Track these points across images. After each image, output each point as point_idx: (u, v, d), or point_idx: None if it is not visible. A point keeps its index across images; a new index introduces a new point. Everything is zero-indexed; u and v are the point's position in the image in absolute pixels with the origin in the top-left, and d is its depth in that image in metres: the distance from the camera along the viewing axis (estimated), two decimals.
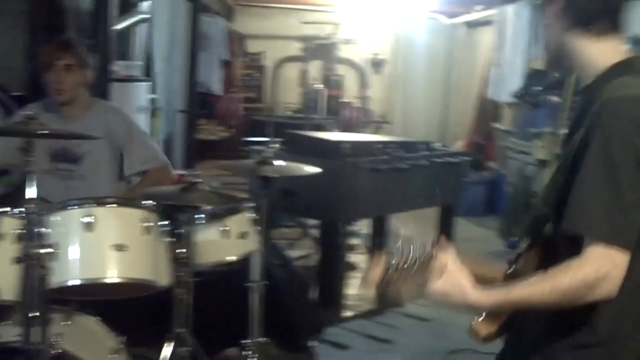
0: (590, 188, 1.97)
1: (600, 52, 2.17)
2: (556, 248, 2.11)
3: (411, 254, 2.14)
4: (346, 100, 14.37)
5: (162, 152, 4.77)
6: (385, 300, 2.09)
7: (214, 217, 3.63)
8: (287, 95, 15.11)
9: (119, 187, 4.43)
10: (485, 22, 12.79)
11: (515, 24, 10.31)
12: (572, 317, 2.07)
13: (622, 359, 2.10)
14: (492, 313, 2.22)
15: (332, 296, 6.21)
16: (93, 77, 4.44)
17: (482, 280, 2.14)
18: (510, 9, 10.51)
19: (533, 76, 9.42)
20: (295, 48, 15.20)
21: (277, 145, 6.12)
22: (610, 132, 1.96)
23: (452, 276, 2.11)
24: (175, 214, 3.50)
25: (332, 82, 14.69)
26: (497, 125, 11.18)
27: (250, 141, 7.42)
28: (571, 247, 2.01)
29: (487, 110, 11.97)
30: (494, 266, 2.26)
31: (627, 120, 1.98)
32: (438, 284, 2.10)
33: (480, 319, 2.23)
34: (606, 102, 2.02)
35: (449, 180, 7.12)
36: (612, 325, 2.07)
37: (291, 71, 15.24)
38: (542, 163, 8.26)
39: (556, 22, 2.21)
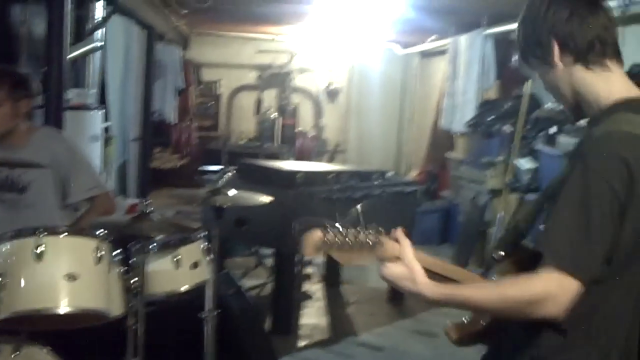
0: (562, 214, 2.02)
1: (602, 86, 2.21)
2: (532, 262, 2.13)
3: (355, 233, 2.14)
4: (301, 130, 14.42)
5: (103, 181, 4.73)
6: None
7: (166, 246, 3.62)
8: (242, 124, 15.12)
9: (65, 215, 4.38)
10: (439, 52, 12.90)
11: (468, 54, 10.39)
12: (545, 335, 2.12)
13: None
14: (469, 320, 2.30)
15: (286, 325, 6.21)
16: (31, 105, 4.36)
17: (442, 280, 2.18)
18: (463, 39, 10.61)
19: (486, 106, 9.51)
20: (250, 77, 15.23)
21: (229, 175, 6.14)
22: (591, 165, 2.01)
23: (406, 263, 2.13)
24: (128, 244, 3.49)
25: (287, 111, 14.73)
26: (450, 154, 11.26)
27: (205, 170, 7.40)
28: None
29: (441, 139, 12.05)
30: (454, 267, 2.28)
31: (610, 156, 2.01)
32: (391, 267, 2.13)
33: (454, 323, 2.33)
34: (597, 136, 2.07)
35: (402, 209, 7.16)
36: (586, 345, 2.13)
37: (246, 100, 15.26)
38: (494, 192, 8.33)
39: (562, 67, 2.23)
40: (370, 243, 2.11)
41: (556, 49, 2.20)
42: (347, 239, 2.10)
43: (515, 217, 2.35)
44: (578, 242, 1.99)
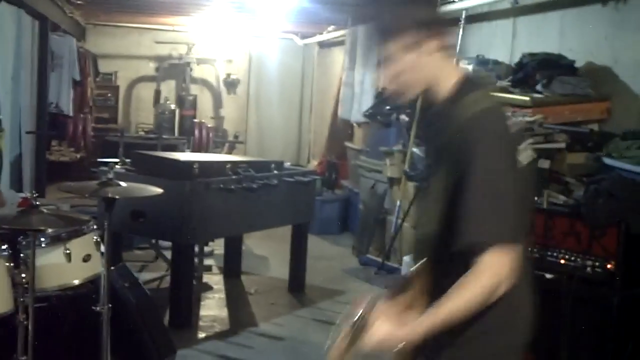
0: (475, 201, 2.10)
1: (448, 73, 2.31)
2: (449, 264, 2.22)
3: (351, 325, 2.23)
4: (199, 121, 14.31)
5: None
6: None
7: (56, 240, 3.56)
8: (141, 116, 14.96)
9: None
10: (337, 43, 12.97)
11: (364, 44, 10.45)
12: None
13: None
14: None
15: (185, 318, 6.16)
16: None
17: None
18: (360, 29, 10.66)
19: (382, 96, 9.58)
20: (148, 68, 15.07)
21: (122, 167, 6.05)
22: (482, 146, 2.11)
23: (380, 325, 2.19)
24: (15, 238, 3.41)
25: (185, 102, 14.60)
26: (349, 144, 11.32)
27: (101, 162, 7.28)
28: (466, 261, 2.12)
29: (340, 129, 12.11)
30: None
31: (491, 131, 2.14)
32: (373, 334, 2.18)
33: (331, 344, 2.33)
34: (469, 118, 2.15)
35: (300, 199, 7.18)
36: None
37: (145, 91, 15.09)
38: (393, 181, 8.41)
39: (420, 47, 2.27)
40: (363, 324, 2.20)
41: (434, 35, 2.27)
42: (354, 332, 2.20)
43: (419, 219, 2.39)
44: (502, 213, 2.10)
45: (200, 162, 6.16)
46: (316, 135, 14.42)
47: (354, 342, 2.21)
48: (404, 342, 2.16)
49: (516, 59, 6.72)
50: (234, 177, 6.28)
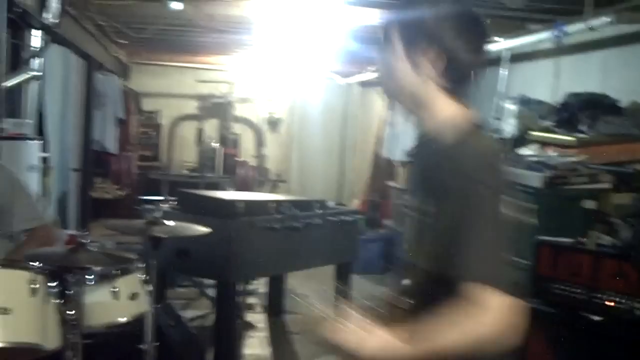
0: (480, 242, 1.99)
1: (453, 111, 2.20)
2: (426, 294, 2.14)
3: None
4: (242, 159, 14.38)
5: (42, 212, 4.67)
6: None
7: (104, 278, 3.56)
8: (184, 154, 15.05)
9: (3, 246, 4.29)
10: (378, 82, 12.97)
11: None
12: None
13: None
14: None
15: (229, 357, 6.13)
16: None
17: None
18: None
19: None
20: (191, 106, 15.18)
21: (167, 205, 6.08)
22: (477, 181, 2.01)
23: (381, 335, 2.09)
24: (64, 275, 3.42)
25: (228, 141, 14.69)
26: (392, 183, 11.30)
27: (145, 200, 7.33)
28: (447, 293, 2.01)
29: (382, 168, 12.10)
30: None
31: (487, 168, 2.05)
32: (371, 343, 2.08)
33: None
34: (451, 149, 2.09)
35: (344, 239, 7.15)
36: None
37: (187, 129, 15.20)
38: None
39: (422, 70, 2.19)
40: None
41: (436, 61, 2.16)
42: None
43: (410, 256, 2.31)
44: (495, 256, 1.99)
45: (244, 201, 6.16)
46: (358, 174, 14.41)
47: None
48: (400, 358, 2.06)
49: (559, 99, 6.69)
50: (278, 216, 6.27)
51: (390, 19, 2.29)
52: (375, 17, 8.12)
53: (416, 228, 2.23)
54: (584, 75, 6.98)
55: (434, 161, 2.16)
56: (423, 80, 2.19)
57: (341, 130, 15.43)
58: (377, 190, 12.32)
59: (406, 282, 2.31)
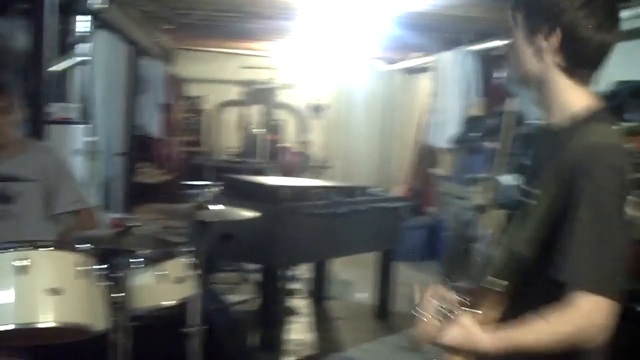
0: (582, 239, 1.99)
1: (577, 97, 2.17)
2: (527, 292, 2.13)
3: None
4: (286, 145, 14.39)
5: (87, 196, 4.73)
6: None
7: (151, 261, 3.59)
8: (227, 139, 15.07)
9: (49, 227, 4.34)
10: (423, 69, 12.93)
11: (452, 71, 10.42)
12: None
13: None
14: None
15: (272, 341, 6.16)
16: (22, 117, 4.36)
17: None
18: (447, 55, 10.63)
19: (470, 122, 9.51)
20: (235, 92, 15.19)
21: (214, 190, 6.10)
22: (601, 182, 1.98)
23: (465, 324, 2.12)
24: (112, 258, 3.45)
25: (272, 127, 14.69)
26: (435, 170, 11.25)
27: (189, 185, 7.35)
28: (550, 293, 2.02)
29: (426, 155, 12.06)
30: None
31: (612, 168, 2.00)
32: (453, 332, 2.12)
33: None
34: (592, 147, 2.03)
35: (387, 225, 7.14)
36: None
37: (231, 115, 15.22)
38: (480, 208, 8.31)
39: (545, 54, 2.16)
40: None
41: (554, 40, 2.13)
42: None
43: (508, 240, 2.26)
44: (606, 263, 1.97)
45: (289, 187, 6.18)
46: (400, 161, 14.37)
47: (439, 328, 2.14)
48: (484, 348, 2.08)
49: (607, 87, 6.61)
50: (322, 202, 6.28)
51: (516, 2, 2.25)
52: (420, 3, 8.08)
53: (522, 213, 2.20)
54: (633, 64, 6.88)
55: (558, 151, 2.12)
56: (546, 66, 2.17)
57: (384, 116, 15.37)
58: (420, 178, 12.28)
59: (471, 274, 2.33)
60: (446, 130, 10.32)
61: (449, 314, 2.14)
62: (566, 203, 2.03)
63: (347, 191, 6.78)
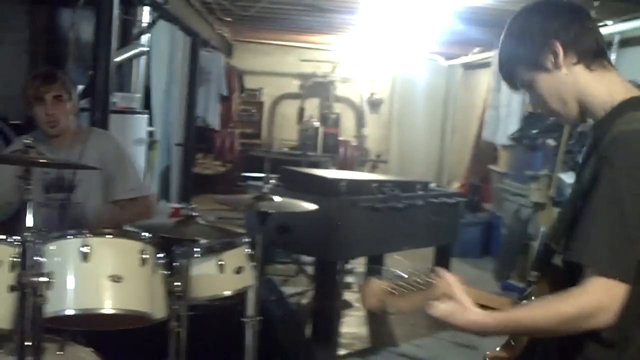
0: (595, 220, 2.00)
1: (606, 87, 2.19)
2: (566, 279, 2.11)
3: (409, 277, 2.15)
4: (344, 139, 14.40)
5: (146, 184, 4.76)
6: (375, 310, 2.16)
7: (211, 251, 3.60)
8: (284, 132, 15.13)
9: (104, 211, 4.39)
10: (482, 65, 12.85)
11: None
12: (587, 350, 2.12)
13: None
14: (508, 345, 2.27)
15: (326, 334, 6.17)
16: (78, 106, 4.40)
17: (485, 309, 2.17)
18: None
19: (529, 119, 9.42)
20: (293, 85, 15.25)
21: (274, 181, 6.13)
22: (619, 165, 1.99)
23: (458, 298, 2.13)
24: (172, 247, 3.48)
25: (329, 120, 14.72)
26: (493, 167, 11.17)
27: (247, 176, 7.40)
28: (579, 277, 2.03)
29: (484, 152, 11.97)
30: (499, 297, 2.28)
31: (636, 155, 2.00)
32: (441, 305, 2.11)
33: (496, 349, 2.28)
34: (617, 135, 2.03)
35: (445, 221, 7.11)
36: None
37: (289, 108, 15.28)
38: (538, 206, 8.25)
39: (565, 71, 2.19)
40: (424, 285, 2.13)
41: (561, 52, 2.17)
42: (403, 285, 2.13)
43: (546, 235, 2.30)
44: (618, 246, 1.97)
45: (347, 180, 6.17)
46: (458, 156, 14.30)
47: (403, 293, 2.13)
48: (473, 322, 2.09)
49: None
50: (380, 196, 6.27)
51: (507, 63, 2.31)
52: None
53: (563, 209, 2.25)
54: None
55: (594, 147, 2.15)
56: (569, 73, 2.20)
57: (442, 112, 15.32)
58: (477, 174, 12.21)
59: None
60: (505, 126, 10.24)
61: (416, 284, 2.14)
62: (589, 192, 2.04)
63: (406, 186, 6.76)
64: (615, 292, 1.97)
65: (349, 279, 8.10)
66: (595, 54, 2.20)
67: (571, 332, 2.02)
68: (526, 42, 2.22)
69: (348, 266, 8.16)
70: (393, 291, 2.13)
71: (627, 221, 1.97)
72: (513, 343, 2.29)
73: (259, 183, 4.27)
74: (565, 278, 2.11)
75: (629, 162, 1.99)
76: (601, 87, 2.19)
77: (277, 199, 4.02)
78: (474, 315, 2.10)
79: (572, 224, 2.09)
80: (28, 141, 2.92)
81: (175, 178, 10.20)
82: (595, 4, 6.92)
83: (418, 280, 2.14)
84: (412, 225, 6.60)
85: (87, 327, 3.26)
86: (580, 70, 2.19)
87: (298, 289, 7.43)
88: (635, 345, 2.10)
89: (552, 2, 2.27)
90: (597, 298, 1.97)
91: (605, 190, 1.99)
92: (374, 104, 15.34)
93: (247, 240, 3.81)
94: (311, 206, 4.22)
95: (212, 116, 12.54)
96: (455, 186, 12.56)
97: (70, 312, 2.91)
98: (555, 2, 2.27)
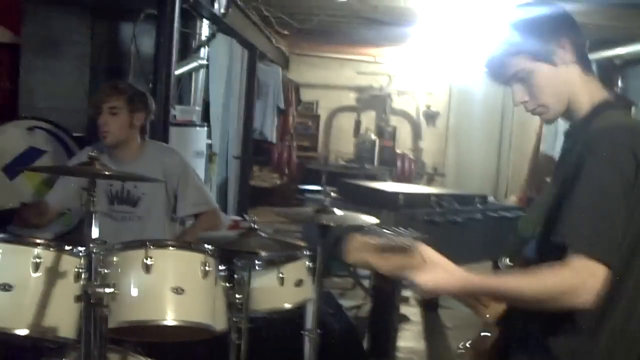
0: (579, 204, 2.09)
1: (589, 90, 2.30)
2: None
3: (393, 238, 2.24)
4: (402, 152, 14.38)
5: (212, 197, 4.79)
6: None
7: (271, 263, 3.61)
8: (341, 145, 15.15)
9: (172, 229, 4.43)
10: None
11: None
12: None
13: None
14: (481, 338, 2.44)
15: (384, 348, 6.14)
16: (146, 120, 4.44)
17: None
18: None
19: None
20: (349, 98, 15.26)
21: (330, 194, 6.13)
22: (600, 153, 2.09)
23: (436, 262, 2.24)
24: (233, 259, 3.49)
25: (385, 133, 14.70)
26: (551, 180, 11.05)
27: (305, 189, 7.41)
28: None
29: (542, 165, 11.85)
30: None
31: (619, 146, 2.09)
32: (426, 272, 2.20)
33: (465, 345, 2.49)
34: (597, 130, 2.16)
35: (503, 235, 7.04)
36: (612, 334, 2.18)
37: (345, 121, 15.29)
38: None
39: (566, 61, 2.29)
40: (405, 250, 2.20)
41: (569, 49, 2.26)
42: (386, 245, 2.22)
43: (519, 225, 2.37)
44: (602, 229, 2.05)
45: (405, 193, 6.16)
46: (515, 170, 14.19)
47: (384, 252, 2.21)
48: (458, 281, 2.18)
49: None
50: (438, 209, 6.24)
51: (505, 52, 2.40)
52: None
53: (539, 201, 2.42)
54: None
55: (573, 143, 2.28)
56: (566, 68, 2.29)
57: (500, 124, 15.20)
58: (536, 187, 12.08)
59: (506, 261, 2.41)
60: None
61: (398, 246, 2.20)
62: (570, 180, 2.12)
63: (465, 199, 6.72)
64: (597, 272, 2.02)
65: (406, 292, 8.06)
66: (587, 59, 2.32)
67: (550, 307, 2.08)
68: (536, 33, 2.29)
69: (405, 282, 8.11)
70: (376, 249, 2.21)
71: (609, 204, 2.07)
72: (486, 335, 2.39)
73: (318, 196, 4.26)
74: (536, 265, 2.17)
75: (610, 151, 2.09)
76: (586, 90, 2.30)
77: (337, 212, 4.02)
78: (458, 272, 2.20)
79: (550, 211, 2.17)
80: (93, 153, 2.95)
81: (233, 190, 10.25)
82: None
83: (402, 242, 2.20)
84: (470, 239, 6.55)
85: (148, 338, 3.28)
86: (576, 70, 2.29)
87: (355, 302, 7.41)
88: (609, 329, 2.17)
89: (559, 5, 2.37)
90: (579, 276, 2.02)
91: (588, 176, 2.08)
92: (431, 117, 15.29)
93: (307, 253, 3.82)
94: (372, 220, 4.21)
95: (269, 129, 12.61)
96: (512, 200, 12.44)
97: (132, 323, 2.94)
98: (562, 6, 2.36)
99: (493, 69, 2.47)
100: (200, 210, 4.46)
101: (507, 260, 2.37)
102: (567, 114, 2.34)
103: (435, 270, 2.21)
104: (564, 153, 2.38)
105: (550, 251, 2.11)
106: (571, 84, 2.28)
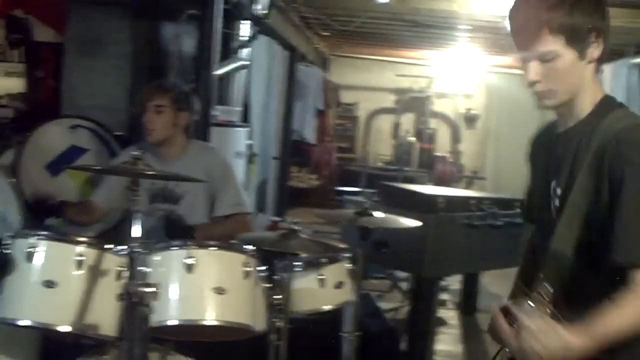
0: (631, 219, 2.03)
1: (595, 88, 2.27)
2: (577, 286, 2.15)
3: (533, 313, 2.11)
4: (440, 154, 14.32)
5: (247, 201, 4.79)
6: None
7: (312, 265, 3.60)
8: (379, 147, 15.13)
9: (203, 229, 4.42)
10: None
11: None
12: None
13: None
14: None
15: (422, 350, 6.12)
16: (190, 119, 4.46)
17: None
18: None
19: None
20: (388, 100, 15.24)
21: (370, 196, 6.12)
22: (636, 161, 2.04)
23: (547, 329, 2.05)
24: (273, 260, 3.49)
25: (424, 135, 14.66)
26: None
27: (343, 191, 7.41)
28: (602, 282, 2.08)
29: None
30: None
31: None
32: (540, 341, 2.03)
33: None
34: (618, 134, 2.09)
35: None
36: None
37: (384, 123, 15.27)
38: None
39: (590, 51, 2.22)
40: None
41: (598, 47, 2.20)
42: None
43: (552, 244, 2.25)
44: None
45: (445, 197, 6.12)
46: None
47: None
48: (576, 349, 2.01)
49: None
50: (478, 213, 6.20)
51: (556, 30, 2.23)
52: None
53: (565, 214, 2.20)
54: None
55: (584, 145, 2.20)
56: (587, 64, 2.23)
57: (539, 128, 15.12)
58: None
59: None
60: None
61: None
62: (602, 193, 2.08)
63: (505, 203, 6.66)
64: None
65: (444, 296, 8.04)
66: (603, 61, 2.26)
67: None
68: (581, 21, 2.19)
69: (443, 283, 8.09)
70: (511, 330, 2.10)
71: None
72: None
73: (357, 198, 4.26)
74: (576, 285, 2.15)
75: None
76: (591, 89, 2.26)
77: (377, 214, 4.01)
78: (572, 342, 2.01)
79: (589, 227, 2.11)
80: (137, 153, 2.96)
81: (272, 191, 10.27)
82: None
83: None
84: (509, 243, 6.49)
85: (189, 337, 3.29)
86: (592, 69, 2.24)
87: (392, 305, 7.40)
88: None
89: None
90: None
91: (633, 188, 2.02)
92: (470, 120, 15.24)
93: (348, 255, 3.81)
94: (414, 222, 4.20)
95: (308, 130, 12.61)
96: None
97: (173, 322, 2.95)
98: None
99: (524, 35, 2.31)
100: (235, 211, 4.46)
101: (548, 286, 2.24)
102: (566, 106, 2.29)
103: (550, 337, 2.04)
104: (569, 151, 2.28)
105: (591, 269, 2.10)
106: (584, 80, 2.23)
